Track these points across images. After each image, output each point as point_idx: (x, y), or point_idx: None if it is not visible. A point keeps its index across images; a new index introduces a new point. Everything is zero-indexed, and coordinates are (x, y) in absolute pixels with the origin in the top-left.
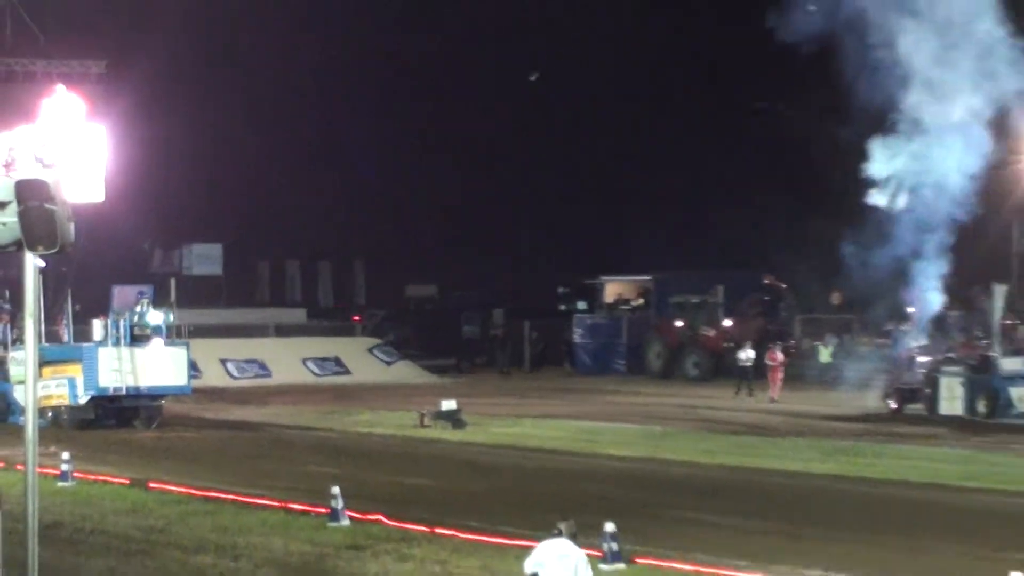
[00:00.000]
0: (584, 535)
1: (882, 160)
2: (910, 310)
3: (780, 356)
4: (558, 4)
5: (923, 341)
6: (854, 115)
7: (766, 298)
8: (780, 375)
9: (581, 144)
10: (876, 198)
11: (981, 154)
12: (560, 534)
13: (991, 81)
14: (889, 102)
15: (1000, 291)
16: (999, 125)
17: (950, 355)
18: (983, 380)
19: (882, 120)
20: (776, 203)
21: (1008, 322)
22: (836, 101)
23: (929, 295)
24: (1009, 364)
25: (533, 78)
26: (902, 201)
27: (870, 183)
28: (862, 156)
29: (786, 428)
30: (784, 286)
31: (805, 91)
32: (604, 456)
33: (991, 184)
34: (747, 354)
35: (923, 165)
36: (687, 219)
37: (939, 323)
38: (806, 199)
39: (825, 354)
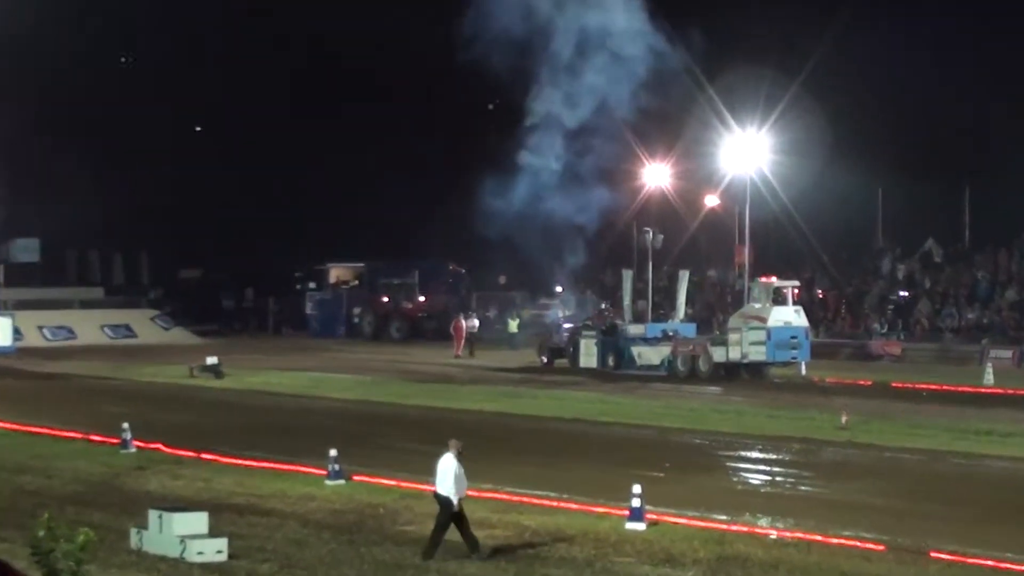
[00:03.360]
0: (312, 458)
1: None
2: (558, 289)
3: (463, 323)
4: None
5: (568, 312)
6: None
7: (450, 280)
8: (462, 337)
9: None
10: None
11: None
12: (448, 451)
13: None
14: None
15: (627, 275)
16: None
17: (587, 322)
18: (612, 341)
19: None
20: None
21: (628, 301)
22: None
23: (572, 278)
24: (633, 329)
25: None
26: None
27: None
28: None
29: (465, 377)
30: (463, 270)
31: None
32: (328, 398)
33: (620, 196)
34: (472, 323)
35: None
36: (392, 220)
37: (579, 299)
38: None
39: (513, 326)
